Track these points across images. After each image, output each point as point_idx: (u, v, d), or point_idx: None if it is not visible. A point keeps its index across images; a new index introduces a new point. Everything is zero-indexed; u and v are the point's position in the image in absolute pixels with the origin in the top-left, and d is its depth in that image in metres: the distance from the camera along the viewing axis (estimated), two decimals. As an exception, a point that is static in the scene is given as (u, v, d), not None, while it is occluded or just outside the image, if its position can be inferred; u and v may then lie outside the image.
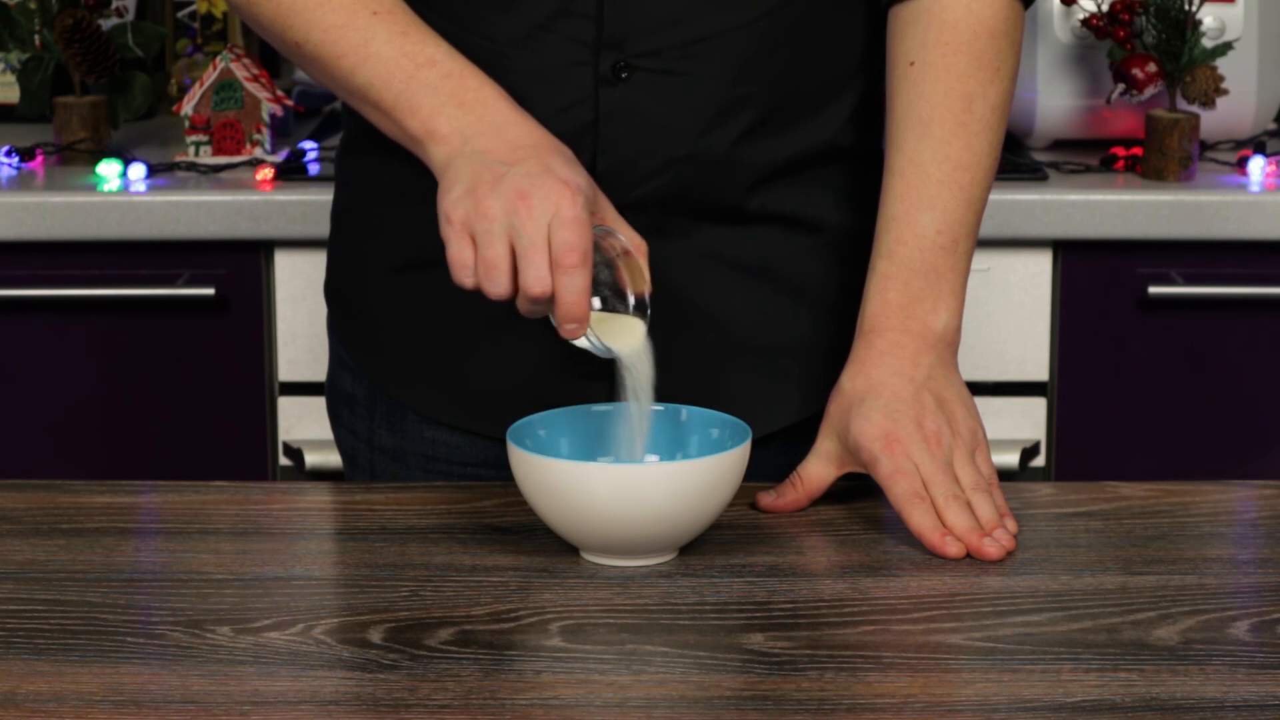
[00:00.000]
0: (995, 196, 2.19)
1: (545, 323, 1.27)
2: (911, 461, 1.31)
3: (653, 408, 1.30)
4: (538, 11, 1.38)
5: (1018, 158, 2.41)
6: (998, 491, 1.33)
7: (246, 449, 2.32)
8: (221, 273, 2.28)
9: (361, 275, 1.52)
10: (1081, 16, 2.38)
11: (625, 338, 1.28)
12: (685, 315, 1.44)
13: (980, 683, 1.09)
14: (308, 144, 2.42)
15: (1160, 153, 2.31)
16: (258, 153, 2.42)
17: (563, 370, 1.42)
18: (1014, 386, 2.31)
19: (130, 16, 2.65)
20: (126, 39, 2.49)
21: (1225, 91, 2.33)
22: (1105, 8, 2.36)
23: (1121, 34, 2.34)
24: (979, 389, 2.26)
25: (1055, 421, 2.31)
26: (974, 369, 2.27)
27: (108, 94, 2.48)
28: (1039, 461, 2.31)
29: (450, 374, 1.48)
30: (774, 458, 1.44)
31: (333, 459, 2.20)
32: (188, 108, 2.43)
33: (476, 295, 1.25)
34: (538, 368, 1.44)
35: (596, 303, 1.26)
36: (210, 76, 2.43)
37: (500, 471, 1.41)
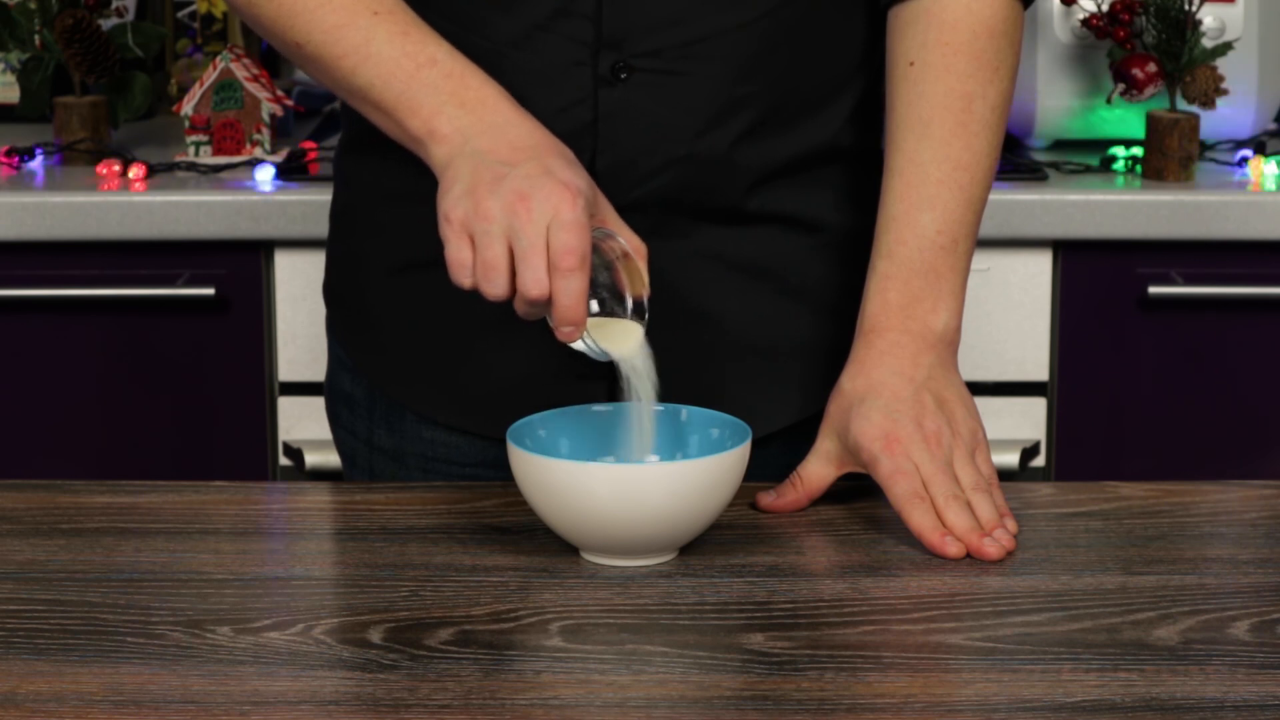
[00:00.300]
0: (995, 196, 2.19)
1: (544, 324, 1.27)
2: (911, 461, 1.31)
3: (657, 407, 1.30)
4: (537, 12, 1.38)
5: (1018, 158, 2.41)
6: (998, 491, 1.33)
7: (246, 449, 2.32)
8: (221, 273, 2.28)
9: (361, 275, 1.52)
10: (1081, 16, 2.38)
11: (622, 341, 1.28)
12: (685, 315, 1.44)
13: (980, 683, 1.09)
14: (308, 144, 2.42)
15: (1160, 153, 2.31)
16: (258, 153, 2.42)
17: (562, 371, 1.42)
18: (1014, 386, 2.31)
19: (130, 16, 2.65)
20: (126, 39, 2.50)
21: (1225, 91, 2.33)
22: (1105, 8, 2.36)
23: (1121, 34, 2.35)
24: (979, 389, 2.26)
25: (1055, 421, 2.31)
26: (974, 369, 2.27)
27: (108, 94, 2.48)
28: (1039, 461, 2.31)
29: (449, 374, 1.48)
30: (774, 458, 1.44)
31: (333, 459, 2.20)
32: (188, 108, 2.43)
33: (475, 296, 1.25)
34: (537, 368, 1.44)
35: (594, 305, 1.26)
36: (210, 76, 2.43)
37: (499, 472, 1.41)
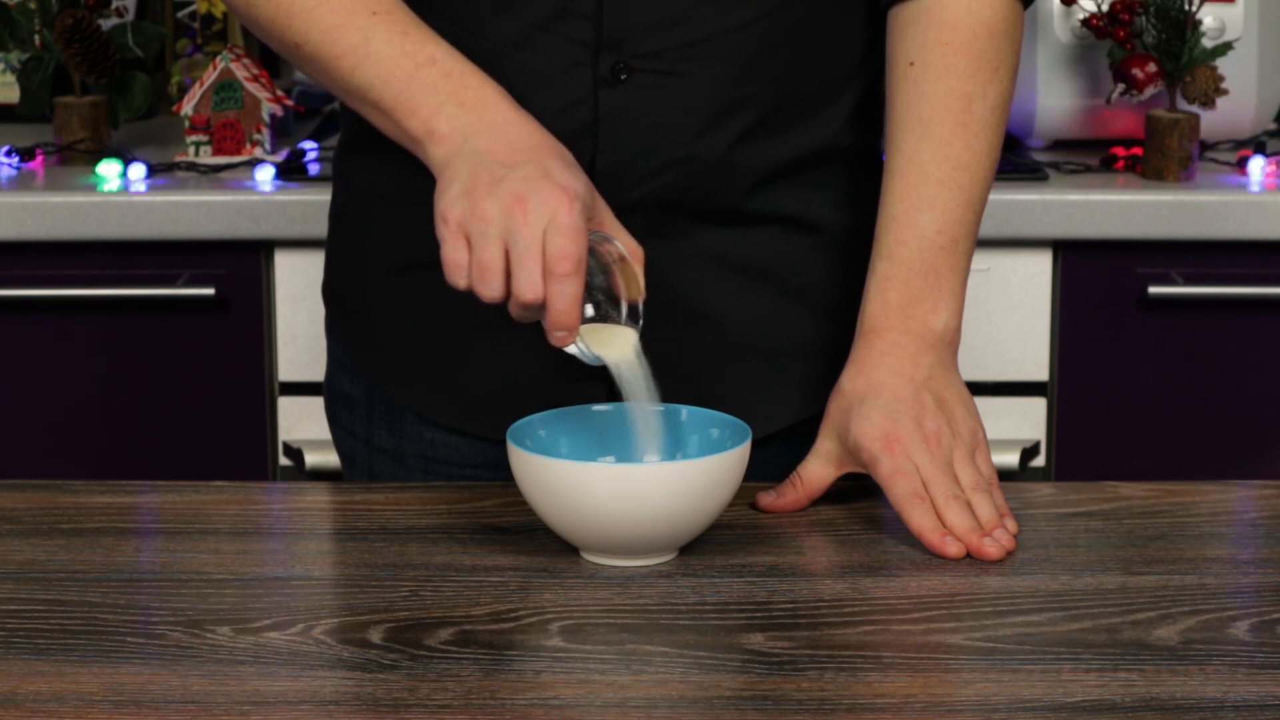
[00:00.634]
0: (995, 196, 2.19)
1: (541, 326, 1.27)
2: (911, 461, 1.31)
3: (656, 408, 1.30)
4: (537, 12, 1.38)
5: (1018, 158, 2.41)
6: (998, 491, 1.33)
7: (246, 449, 2.32)
8: (221, 273, 2.28)
9: (360, 276, 1.52)
10: (1081, 16, 2.38)
11: (616, 346, 1.28)
12: (685, 316, 1.44)
13: (980, 683, 1.09)
14: (308, 144, 2.42)
15: (1160, 153, 2.31)
16: (258, 153, 2.42)
17: (561, 372, 1.42)
18: (1014, 386, 2.31)
19: (130, 16, 2.65)
20: (126, 39, 2.49)
21: (1225, 91, 2.33)
22: (1105, 8, 2.36)
23: (1121, 34, 2.34)
24: (979, 389, 2.26)
25: (1055, 421, 2.31)
26: (974, 369, 2.27)
27: (108, 94, 2.48)
28: (1039, 461, 2.31)
29: (449, 375, 1.48)
30: (774, 458, 1.44)
31: (333, 459, 2.20)
32: (188, 108, 2.43)
33: (471, 296, 1.25)
34: (536, 369, 1.44)
35: (589, 310, 1.26)
36: (210, 76, 2.43)
37: (499, 473, 1.41)
